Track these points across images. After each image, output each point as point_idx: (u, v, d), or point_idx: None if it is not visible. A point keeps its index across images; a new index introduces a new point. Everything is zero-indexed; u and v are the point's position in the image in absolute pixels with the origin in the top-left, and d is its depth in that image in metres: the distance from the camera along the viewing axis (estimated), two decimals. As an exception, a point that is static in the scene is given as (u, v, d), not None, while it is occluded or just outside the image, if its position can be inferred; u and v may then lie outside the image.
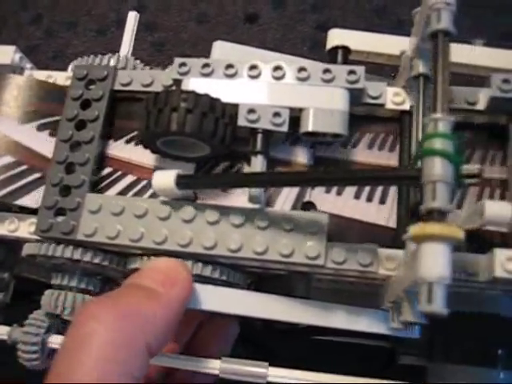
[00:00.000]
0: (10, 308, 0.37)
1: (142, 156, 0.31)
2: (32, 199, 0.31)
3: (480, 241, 0.28)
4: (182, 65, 0.30)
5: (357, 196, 0.29)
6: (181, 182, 0.28)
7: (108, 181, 0.31)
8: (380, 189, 0.29)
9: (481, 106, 0.29)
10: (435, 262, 0.19)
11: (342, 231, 0.28)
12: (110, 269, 0.30)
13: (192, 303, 0.28)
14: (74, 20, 0.58)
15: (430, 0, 0.23)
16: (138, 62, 0.35)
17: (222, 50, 0.32)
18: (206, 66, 0.30)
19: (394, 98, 0.30)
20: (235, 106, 0.28)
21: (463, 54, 0.32)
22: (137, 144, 0.32)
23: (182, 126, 0.27)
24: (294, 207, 0.29)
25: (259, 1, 0.55)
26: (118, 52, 0.35)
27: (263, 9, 0.55)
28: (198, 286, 0.28)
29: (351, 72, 0.29)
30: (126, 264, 0.30)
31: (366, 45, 0.32)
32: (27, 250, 0.30)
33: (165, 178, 0.28)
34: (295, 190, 0.29)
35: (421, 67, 0.28)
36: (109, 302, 0.25)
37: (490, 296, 0.32)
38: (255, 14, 0.55)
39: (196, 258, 0.28)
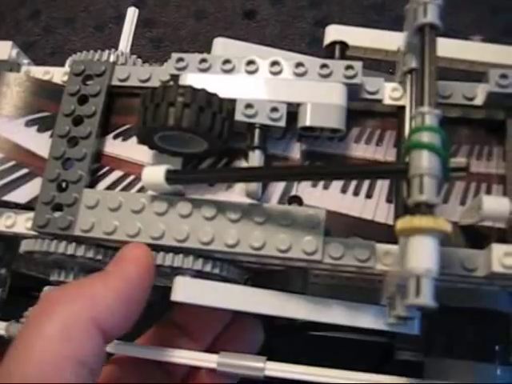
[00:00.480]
0: (7, 304, 0.37)
1: (130, 151, 0.31)
2: (19, 195, 0.31)
3: (478, 236, 0.28)
4: (180, 60, 0.30)
5: (343, 190, 0.29)
6: (170, 177, 0.28)
7: (95, 176, 0.31)
8: (367, 183, 0.29)
9: (479, 101, 0.29)
10: (422, 255, 0.19)
11: (329, 225, 0.28)
12: (107, 264, 0.30)
13: (188, 298, 0.28)
14: (71, 16, 0.58)
15: None
16: (135, 57, 0.34)
17: (223, 46, 0.32)
18: (203, 61, 0.30)
19: (391, 93, 0.30)
20: (232, 101, 0.28)
21: (461, 49, 0.32)
22: (124, 139, 0.32)
23: (179, 120, 0.27)
24: (280, 201, 0.29)
25: (257, -3, 0.55)
26: (116, 48, 0.35)
27: (261, 5, 0.55)
28: (195, 281, 0.28)
29: (349, 67, 0.29)
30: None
31: (364, 40, 0.32)
32: (25, 246, 0.30)
33: (154, 174, 0.28)
34: (282, 185, 0.29)
35: (412, 62, 0.28)
36: (65, 287, 0.26)
37: (488, 291, 0.32)
38: (253, 11, 0.55)
39: (193, 252, 0.28)
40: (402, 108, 0.29)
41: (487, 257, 0.25)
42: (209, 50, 0.32)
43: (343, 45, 0.31)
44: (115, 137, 0.32)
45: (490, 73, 0.28)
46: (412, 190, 0.21)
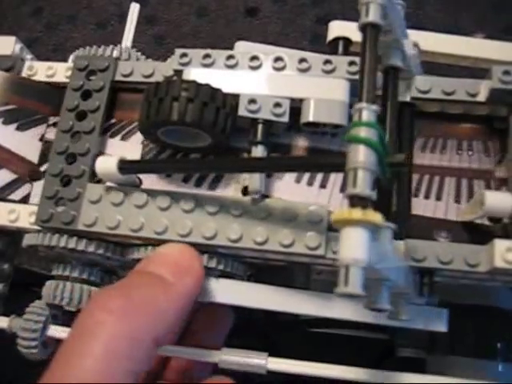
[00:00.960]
0: (9, 299, 0.37)
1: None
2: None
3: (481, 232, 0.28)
4: (183, 55, 0.30)
5: (298, 180, 0.30)
6: (123, 166, 0.28)
7: None
8: (321, 173, 0.30)
9: (481, 97, 0.29)
10: (351, 246, 0.20)
11: None
12: (109, 259, 0.30)
13: (204, 296, 0.28)
14: (74, 13, 0.58)
15: None
16: (139, 54, 0.35)
17: (245, 50, 0.32)
18: (206, 56, 0.30)
19: (394, 89, 0.30)
20: (236, 97, 0.29)
21: (464, 46, 0.33)
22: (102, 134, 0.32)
23: (182, 115, 0.27)
24: (234, 191, 0.30)
25: (260, -6, 0.55)
26: (119, 44, 0.35)
27: (264, 2, 0.55)
28: (210, 280, 0.29)
29: (352, 63, 0.29)
30: (124, 254, 0.30)
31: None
32: (28, 240, 0.30)
33: (107, 163, 0.28)
34: (236, 175, 0.30)
35: (389, 59, 0.28)
36: (120, 292, 0.25)
37: (491, 288, 0.32)
38: (256, 8, 0.55)
39: (196, 248, 0.28)
40: (404, 104, 0.29)
41: (489, 252, 0.26)
42: (211, 47, 0.32)
43: (347, 41, 0.31)
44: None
45: (493, 69, 0.28)
46: (347, 183, 0.21)
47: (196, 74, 0.29)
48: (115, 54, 0.33)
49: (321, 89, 0.29)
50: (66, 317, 0.32)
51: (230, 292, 0.29)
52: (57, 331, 0.31)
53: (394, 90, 0.27)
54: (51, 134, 0.33)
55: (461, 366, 0.33)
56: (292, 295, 0.30)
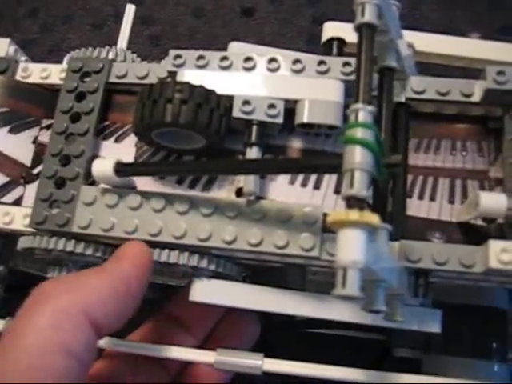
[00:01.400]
0: (4, 301, 0.37)
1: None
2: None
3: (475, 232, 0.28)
4: (177, 57, 0.30)
5: (292, 181, 0.30)
6: (119, 169, 0.28)
7: None
8: (314, 175, 0.30)
9: (476, 98, 0.29)
10: (349, 247, 0.20)
11: None
12: (104, 261, 0.30)
13: (206, 298, 0.29)
14: (69, 14, 0.58)
15: None
16: (135, 56, 0.34)
17: (238, 50, 0.32)
18: (200, 57, 0.30)
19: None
20: (230, 98, 0.29)
21: (459, 46, 0.33)
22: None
23: (176, 117, 0.27)
24: (228, 192, 0.30)
25: (256, -5, 0.55)
26: (114, 46, 0.35)
27: (260, 3, 0.55)
28: (213, 282, 0.29)
29: (346, 64, 0.29)
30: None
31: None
32: (22, 243, 0.30)
33: (103, 166, 0.28)
34: (229, 176, 0.30)
35: (385, 60, 0.27)
36: (58, 279, 0.27)
37: (486, 289, 0.32)
38: (252, 8, 0.55)
39: (190, 249, 0.28)
40: (400, 104, 0.29)
41: (484, 253, 0.26)
42: (207, 48, 0.32)
43: (341, 41, 0.31)
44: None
45: (487, 70, 0.28)
46: (344, 184, 0.21)
47: (190, 75, 0.29)
48: (110, 55, 0.33)
49: (315, 90, 0.29)
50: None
51: (224, 293, 0.29)
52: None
53: (390, 90, 0.27)
54: (44, 137, 0.33)
55: (456, 366, 0.33)
56: (287, 296, 0.30)
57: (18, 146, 0.33)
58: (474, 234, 0.28)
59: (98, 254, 0.30)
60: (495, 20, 0.50)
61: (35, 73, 0.34)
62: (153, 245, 0.28)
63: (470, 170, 0.29)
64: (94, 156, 0.31)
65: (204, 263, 0.28)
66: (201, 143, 0.29)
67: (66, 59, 0.34)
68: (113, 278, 0.26)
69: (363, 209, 0.20)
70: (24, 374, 0.22)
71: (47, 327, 0.23)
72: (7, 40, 0.35)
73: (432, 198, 0.29)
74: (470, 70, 0.33)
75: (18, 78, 0.34)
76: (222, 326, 0.34)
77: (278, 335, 0.41)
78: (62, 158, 0.30)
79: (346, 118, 0.27)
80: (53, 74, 0.33)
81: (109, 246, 0.30)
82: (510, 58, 0.31)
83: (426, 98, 0.29)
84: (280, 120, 0.28)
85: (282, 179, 0.30)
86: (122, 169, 0.28)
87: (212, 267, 0.29)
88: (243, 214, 0.27)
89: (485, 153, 0.29)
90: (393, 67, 0.27)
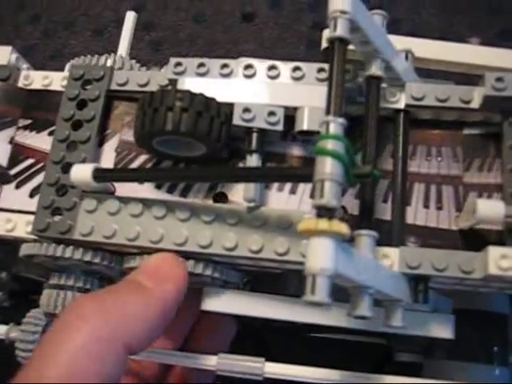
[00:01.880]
0: (7, 308, 0.38)
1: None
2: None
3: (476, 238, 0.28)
4: (178, 64, 0.30)
5: (267, 186, 0.30)
6: (98, 175, 0.28)
7: (30, 172, 0.32)
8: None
9: (475, 104, 0.29)
10: (318, 255, 0.20)
11: None
12: (107, 267, 0.30)
13: (219, 307, 0.30)
14: (71, 20, 0.58)
15: (328, 9, 0.24)
16: (134, 61, 0.35)
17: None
18: (201, 65, 0.30)
19: (388, 97, 0.30)
20: (230, 105, 0.29)
21: (458, 52, 0.33)
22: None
23: (177, 125, 0.27)
24: (205, 197, 0.30)
25: (256, 0, 0.55)
26: (116, 52, 0.35)
27: (260, 8, 0.55)
28: (224, 291, 0.30)
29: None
30: (122, 263, 0.30)
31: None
32: (25, 250, 0.30)
33: (82, 172, 0.28)
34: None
35: (370, 69, 0.28)
36: (96, 296, 0.25)
37: (487, 294, 0.32)
38: (252, 13, 0.55)
39: (192, 256, 0.28)
40: (399, 111, 0.29)
41: (484, 259, 0.26)
42: (208, 53, 0.33)
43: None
44: (50, 133, 0.33)
45: (486, 76, 0.28)
46: (315, 194, 0.22)
47: (190, 83, 0.30)
48: (109, 62, 0.33)
49: (315, 97, 0.29)
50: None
51: (235, 302, 0.30)
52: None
53: (376, 99, 0.28)
54: (21, 137, 0.33)
55: (458, 370, 0.33)
56: (288, 303, 0.30)
57: (-5, 146, 0.33)
58: (447, 238, 0.28)
59: (98, 261, 0.30)
60: (495, 24, 0.50)
61: (37, 80, 0.34)
62: (154, 252, 0.28)
63: (445, 175, 0.29)
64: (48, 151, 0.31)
65: (202, 269, 0.29)
66: (201, 151, 0.29)
67: (67, 67, 0.35)
68: (154, 304, 0.25)
69: (332, 218, 0.21)
70: None
71: (83, 355, 0.23)
72: (9, 48, 0.35)
73: (407, 203, 0.29)
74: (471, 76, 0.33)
75: (20, 85, 0.34)
76: (199, 328, 0.35)
77: (280, 339, 0.41)
78: (64, 166, 0.30)
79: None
80: (54, 81, 0.34)
81: (112, 253, 0.30)
82: (509, 64, 0.31)
83: (425, 104, 0.29)
84: (280, 127, 0.29)
85: (260, 184, 0.29)
86: (100, 174, 0.28)
87: (215, 274, 0.29)
88: (244, 220, 0.28)
89: (459, 158, 0.29)
90: (379, 76, 0.28)
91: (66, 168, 0.30)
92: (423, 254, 0.27)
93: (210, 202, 0.30)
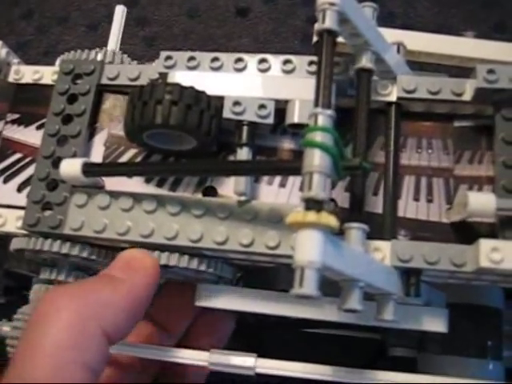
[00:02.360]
0: (3, 304, 0.37)
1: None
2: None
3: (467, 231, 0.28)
4: (168, 58, 0.30)
5: (256, 180, 0.30)
6: (87, 169, 0.28)
7: (17, 166, 0.32)
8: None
9: (467, 96, 0.29)
10: (306, 248, 0.20)
11: None
12: (97, 262, 0.30)
13: (212, 303, 0.30)
14: (64, 15, 0.58)
15: (317, 2, 0.24)
16: (126, 56, 0.35)
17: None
18: (191, 59, 0.30)
19: (380, 89, 0.29)
20: (221, 99, 0.29)
21: (451, 45, 0.33)
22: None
23: (166, 118, 0.27)
24: (195, 192, 0.30)
25: (250, -6, 0.55)
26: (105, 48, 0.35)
27: (254, 2, 0.55)
28: (217, 287, 0.30)
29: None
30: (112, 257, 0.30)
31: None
32: (15, 244, 0.30)
33: (71, 166, 0.28)
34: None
35: (360, 62, 0.28)
36: (69, 289, 0.26)
37: (480, 288, 0.32)
38: (246, 8, 0.55)
39: (182, 250, 0.28)
40: (391, 104, 0.29)
41: (475, 252, 0.26)
42: (202, 48, 0.33)
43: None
44: (38, 127, 0.33)
45: (478, 68, 0.28)
46: (303, 187, 0.21)
47: (181, 76, 0.29)
48: (99, 57, 0.33)
49: (306, 90, 0.29)
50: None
51: (228, 297, 0.30)
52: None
53: (367, 91, 0.27)
54: (9, 132, 0.33)
55: (452, 364, 0.33)
56: (280, 298, 0.30)
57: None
58: (438, 231, 0.28)
59: (93, 257, 0.30)
60: (489, 18, 0.50)
61: (27, 75, 0.34)
62: (144, 246, 0.28)
63: (436, 167, 0.29)
64: (37, 146, 0.32)
65: (195, 264, 0.29)
66: (192, 144, 0.29)
67: (57, 61, 0.34)
68: (126, 291, 0.26)
69: (321, 210, 0.21)
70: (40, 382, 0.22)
71: (64, 343, 0.23)
72: (-1, 42, 0.35)
73: (398, 196, 0.29)
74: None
75: (10, 80, 0.34)
76: (198, 324, 0.35)
77: (273, 336, 0.41)
78: (54, 160, 0.30)
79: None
80: (45, 75, 0.34)
81: (102, 247, 0.30)
82: (501, 56, 0.31)
83: (417, 97, 0.29)
84: (270, 120, 0.28)
85: (249, 177, 0.29)
86: (89, 169, 0.28)
87: (208, 269, 0.29)
88: (234, 214, 0.28)
89: (450, 151, 0.29)
90: (369, 68, 0.27)
91: (57, 163, 0.30)
92: (415, 247, 0.26)
93: (199, 196, 0.30)
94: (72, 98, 0.31)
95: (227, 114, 0.28)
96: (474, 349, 0.33)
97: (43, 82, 0.33)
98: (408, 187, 0.29)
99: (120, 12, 0.36)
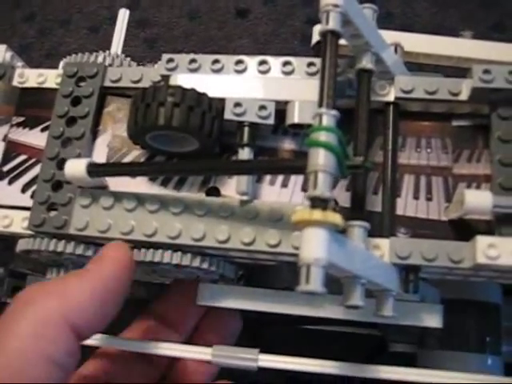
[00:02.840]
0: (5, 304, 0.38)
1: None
2: None
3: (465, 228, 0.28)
4: (170, 61, 0.31)
5: (258, 180, 0.30)
6: (92, 170, 0.29)
7: (22, 168, 0.32)
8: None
9: (464, 96, 0.29)
10: (312, 245, 0.20)
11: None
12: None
13: (213, 302, 0.30)
14: (66, 18, 0.58)
15: (320, 3, 0.25)
16: (129, 59, 0.35)
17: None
18: (193, 61, 0.30)
19: (379, 90, 0.30)
20: (222, 100, 0.29)
21: (448, 46, 0.33)
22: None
23: (169, 120, 0.27)
24: (199, 192, 0.30)
25: (250, -4, 0.56)
26: (110, 49, 0.36)
27: (254, 4, 0.55)
28: (217, 286, 0.31)
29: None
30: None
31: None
32: (21, 245, 0.31)
33: (76, 166, 0.29)
34: (200, 176, 0.31)
35: (361, 63, 0.28)
36: (40, 284, 0.26)
37: (478, 283, 0.32)
38: (246, 9, 0.55)
39: (185, 249, 0.29)
40: (389, 104, 0.30)
41: (472, 248, 0.26)
42: (203, 49, 0.33)
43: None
44: (43, 130, 0.33)
45: (474, 68, 0.28)
46: (309, 185, 0.22)
47: (182, 78, 0.30)
48: (100, 59, 0.33)
49: (305, 91, 0.29)
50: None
51: (229, 296, 0.31)
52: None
53: (367, 92, 0.28)
54: (14, 134, 0.34)
55: (451, 359, 0.34)
56: (282, 296, 0.30)
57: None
58: (438, 228, 0.28)
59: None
60: (487, 18, 0.51)
61: (31, 78, 0.34)
62: (149, 245, 0.29)
63: (435, 166, 0.30)
64: (41, 147, 0.32)
65: (196, 262, 0.29)
66: (194, 146, 0.29)
67: (61, 64, 0.35)
68: (93, 281, 0.26)
69: (326, 208, 0.21)
70: (5, 380, 0.23)
71: (28, 336, 0.23)
72: (3, 46, 0.35)
73: (398, 195, 0.29)
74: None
75: (14, 83, 0.34)
76: (205, 322, 0.35)
77: (274, 331, 0.41)
78: (59, 162, 0.31)
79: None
80: (49, 79, 0.34)
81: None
82: (498, 56, 0.31)
83: (414, 97, 0.29)
84: (271, 121, 0.29)
85: (252, 178, 0.30)
86: (94, 169, 0.29)
87: (210, 268, 0.29)
88: (236, 213, 0.28)
89: (448, 149, 0.30)
90: (370, 69, 0.28)
91: (61, 164, 0.30)
92: (413, 244, 0.27)
93: (202, 196, 0.30)
94: (76, 101, 0.32)
95: (228, 115, 0.29)
96: (474, 344, 0.34)
97: (47, 85, 0.34)
98: (408, 186, 0.29)
99: (123, 15, 0.36)
